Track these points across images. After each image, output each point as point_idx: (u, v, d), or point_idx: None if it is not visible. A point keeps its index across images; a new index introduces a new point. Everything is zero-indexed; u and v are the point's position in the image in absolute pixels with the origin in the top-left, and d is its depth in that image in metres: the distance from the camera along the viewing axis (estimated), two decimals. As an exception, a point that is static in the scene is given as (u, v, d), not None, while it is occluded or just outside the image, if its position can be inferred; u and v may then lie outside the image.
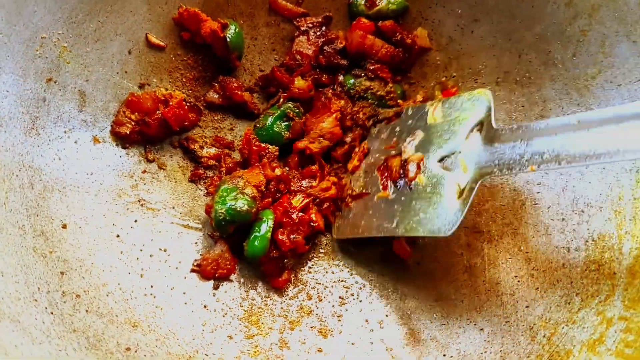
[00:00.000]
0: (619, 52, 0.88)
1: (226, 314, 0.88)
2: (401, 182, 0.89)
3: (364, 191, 0.95)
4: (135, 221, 0.92)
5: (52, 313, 0.74)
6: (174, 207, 0.96)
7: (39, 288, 0.75)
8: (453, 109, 0.87)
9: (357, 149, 1.01)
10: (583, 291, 0.81)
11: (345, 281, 0.95)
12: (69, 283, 0.79)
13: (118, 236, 0.89)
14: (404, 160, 0.90)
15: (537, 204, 0.93)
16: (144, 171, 0.96)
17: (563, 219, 0.89)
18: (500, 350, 0.82)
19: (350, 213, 0.96)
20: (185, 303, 0.87)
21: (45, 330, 0.72)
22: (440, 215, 0.80)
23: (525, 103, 0.98)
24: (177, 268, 0.90)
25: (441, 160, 0.84)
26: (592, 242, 0.84)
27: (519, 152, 0.74)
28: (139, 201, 0.94)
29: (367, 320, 0.90)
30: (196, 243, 0.94)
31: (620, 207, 0.84)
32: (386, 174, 0.92)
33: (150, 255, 0.90)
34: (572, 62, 0.93)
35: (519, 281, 0.88)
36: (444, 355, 0.84)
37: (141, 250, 0.90)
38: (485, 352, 0.83)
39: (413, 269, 0.95)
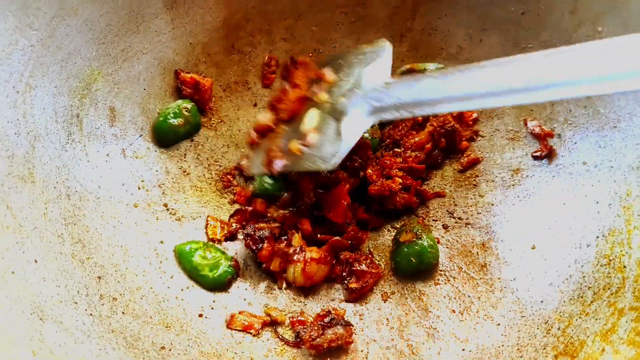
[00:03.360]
0: (623, 55, 0.91)
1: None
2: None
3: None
4: (164, 229, 0.96)
5: (91, 315, 0.79)
6: (200, 216, 1.00)
7: (78, 291, 0.80)
8: (354, 58, 0.94)
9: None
10: (595, 285, 0.84)
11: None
12: (105, 287, 0.84)
13: (149, 242, 0.94)
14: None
15: (548, 202, 0.96)
16: (172, 182, 1.01)
17: (574, 217, 0.92)
18: (517, 343, 0.85)
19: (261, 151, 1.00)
20: (212, 307, 0.91)
21: (86, 330, 0.77)
22: (323, 153, 0.87)
23: (534, 107, 1.01)
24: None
25: (335, 106, 0.90)
26: (602, 237, 0.87)
27: (394, 100, 0.82)
28: (167, 210, 0.98)
29: (387, 319, 0.94)
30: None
31: (628, 203, 0.87)
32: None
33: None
34: (578, 67, 0.96)
35: (532, 278, 0.91)
36: (463, 349, 0.88)
37: (167, 258, 0.94)
38: (503, 345, 0.86)
39: (430, 268, 0.98)
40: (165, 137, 1.04)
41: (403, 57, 1.12)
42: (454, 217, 1.03)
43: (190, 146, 1.06)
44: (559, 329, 0.83)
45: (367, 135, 1.04)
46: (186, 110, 1.04)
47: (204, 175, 1.05)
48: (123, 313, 0.83)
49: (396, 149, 1.07)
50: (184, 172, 1.04)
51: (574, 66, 0.67)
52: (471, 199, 1.03)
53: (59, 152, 0.89)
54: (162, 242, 0.95)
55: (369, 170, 1.04)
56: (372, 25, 1.14)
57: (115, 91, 0.99)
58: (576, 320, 0.83)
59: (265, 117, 0.99)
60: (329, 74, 0.94)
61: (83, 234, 0.86)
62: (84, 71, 0.94)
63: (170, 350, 0.82)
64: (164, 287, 0.90)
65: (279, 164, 0.92)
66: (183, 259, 0.94)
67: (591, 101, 0.94)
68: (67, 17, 0.90)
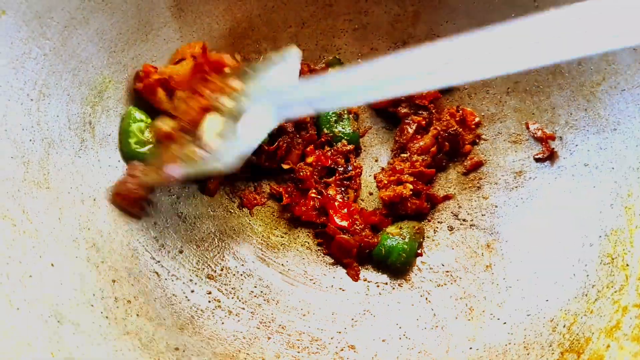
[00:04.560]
0: (621, 59, 0.93)
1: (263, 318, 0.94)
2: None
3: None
4: (175, 232, 0.98)
5: (107, 317, 0.80)
6: (209, 218, 1.02)
7: (94, 294, 0.81)
8: (263, 66, 0.95)
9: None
10: (599, 283, 0.86)
11: (371, 281, 1.01)
12: (120, 290, 0.85)
13: (163, 246, 0.95)
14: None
15: (551, 204, 0.98)
16: (182, 187, 1.03)
17: (577, 217, 0.94)
18: (524, 342, 0.87)
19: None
20: (219, 307, 0.93)
21: (102, 332, 0.78)
22: (221, 153, 0.88)
23: (535, 110, 1.04)
24: (214, 272, 0.97)
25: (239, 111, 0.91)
26: (605, 237, 0.89)
27: (297, 97, 0.85)
28: (178, 215, 1.00)
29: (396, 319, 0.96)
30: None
31: (629, 203, 0.89)
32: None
33: (192, 265, 0.96)
34: (578, 71, 0.99)
35: (537, 277, 0.93)
36: (470, 348, 0.89)
37: (180, 260, 0.96)
38: (509, 343, 0.88)
39: (436, 269, 1.00)
40: None
41: (406, 63, 1.15)
42: (459, 219, 1.05)
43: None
44: (564, 326, 0.85)
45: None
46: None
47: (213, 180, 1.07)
48: (137, 315, 0.84)
49: (403, 154, 1.09)
50: (193, 177, 1.06)
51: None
52: (475, 201, 1.05)
53: (73, 159, 0.90)
54: (172, 245, 0.97)
55: (381, 175, 1.06)
56: (375, 32, 1.16)
57: (126, 98, 1.00)
58: (581, 317, 0.85)
59: (165, 124, 0.98)
60: (235, 82, 0.95)
61: (97, 238, 0.88)
62: (95, 79, 0.95)
63: (184, 351, 0.84)
64: (177, 289, 0.91)
65: (176, 170, 0.91)
66: (126, 119, 0.99)
67: (591, 104, 0.97)
68: (79, 26, 0.92)
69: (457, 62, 0.71)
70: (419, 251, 1.02)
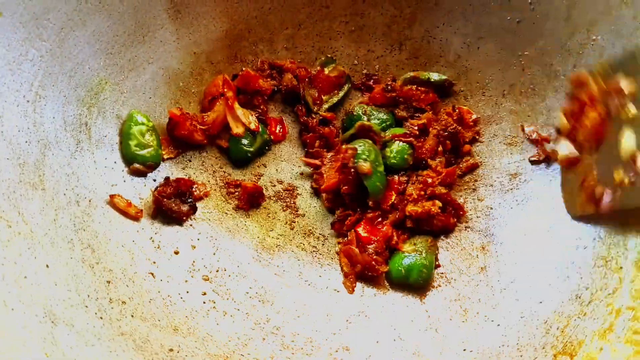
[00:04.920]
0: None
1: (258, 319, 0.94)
2: None
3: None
4: (171, 234, 0.98)
5: (101, 318, 0.81)
6: (205, 220, 1.03)
7: (88, 295, 0.82)
8: None
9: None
10: (592, 285, 0.86)
11: (366, 283, 1.01)
12: (115, 291, 0.85)
13: (158, 247, 0.96)
14: None
15: (546, 206, 0.98)
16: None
17: (571, 221, 0.94)
18: (517, 343, 0.87)
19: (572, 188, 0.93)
20: (214, 308, 0.93)
21: (97, 333, 0.78)
22: None
23: (531, 113, 1.04)
24: (209, 273, 0.97)
25: None
26: (599, 239, 0.89)
27: None
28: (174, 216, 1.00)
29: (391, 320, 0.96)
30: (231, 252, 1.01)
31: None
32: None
33: (187, 266, 0.96)
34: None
35: (532, 279, 0.93)
36: (464, 350, 0.90)
37: (175, 261, 0.96)
38: (503, 345, 0.88)
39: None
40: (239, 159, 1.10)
41: (403, 65, 1.15)
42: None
43: (196, 153, 1.08)
44: (557, 328, 0.85)
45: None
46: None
47: (208, 181, 1.07)
48: (132, 316, 0.84)
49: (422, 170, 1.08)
50: (189, 178, 1.06)
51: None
52: (471, 202, 1.05)
53: (69, 160, 0.91)
54: (168, 246, 0.97)
55: (410, 188, 1.04)
56: (371, 33, 1.16)
57: (122, 100, 1.01)
58: (574, 320, 0.85)
59: (567, 149, 0.89)
60: (624, 83, 0.81)
61: (92, 239, 0.88)
62: (92, 81, 0.96)
63: (178, 352, 0.84)
64: (171, 290, 0.92)
65: (607, 200, 0.81)
66: (127, 121, 1.00)
67: (586, 107, 0.97)
68: (76, 28, 0.92)
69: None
70: (436, 263, 1.01)
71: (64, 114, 0.92)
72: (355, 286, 1.00)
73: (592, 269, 0.88)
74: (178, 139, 1.05)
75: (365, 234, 1.01)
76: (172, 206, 0.98)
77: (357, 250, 0.99)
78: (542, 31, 1.01)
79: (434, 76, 1.12)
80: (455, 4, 1.09)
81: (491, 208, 1.03)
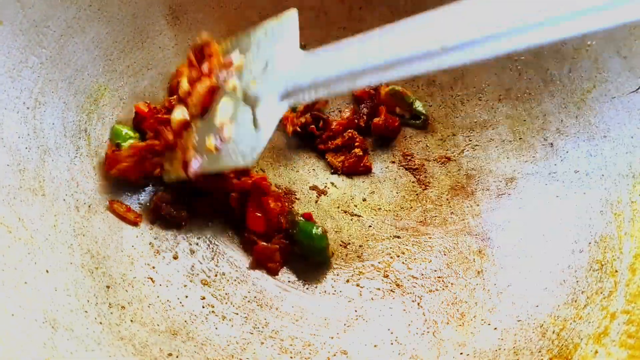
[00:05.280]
0: (611, 67, 0.94)
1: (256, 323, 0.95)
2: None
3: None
4: (170, 238, 0.99)
5: (101, 323, 0.82)
6: (204, 224, 1.03)
7: (88, 300, 0.82)
8: (262, 35, 0.88)
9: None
10: (588, 289, 0.87)
11: (364, 287, 1.01)
12: (114, 296, 0.86)
13: (158, 252, 0.96)
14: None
15: (542, 210, 0.99)
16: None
17: (567, 223, 0.95)
18: (514, 347, 0.88)
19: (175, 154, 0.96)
20: (213, 312, 0.94)
21: (96, 338, 0.79)
22: (241, 147, 0.82)
23: (527, 117, 1.05)
24: (208, 278, 0.98)
25: (246, 93, 0.84)
26: (594, 243, 0.90)
27: (309, 79, 0.75)
28: (172, 221, 1.01)
29: (388, 324, 0.97)
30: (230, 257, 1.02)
31: (619, 210, 0.90)
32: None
33: (186, 270, 0.97)
34: (569, 78, 1.00)
35: (528, 283, 0.94)
36: (461, 353, 0.90)
37: (175, 266, 0.97)
38: (499, 349, 0.88)
39: (428, 275, 1.01)
40: None
41: (399, 70, 1.16)
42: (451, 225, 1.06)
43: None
44: (553, 332, 0.86)
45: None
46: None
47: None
48: (131, 321, 0.85)
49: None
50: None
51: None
52: (467, 207, 1.06)
53: (68, 166, 0.91)
54: (166, 251, 0.98)
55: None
56: (369, 39, 1.17)
57: (122, 106, 1.02)
58: (570, 323, 0.85)
59: (180, 113, 0.92)
60: (236, 58, 0.88)
61: (92, 244, 0.89)
62: (91, 87, 0.97)
63: (177, 357, 0.84)
64: (170, 295, 0.92)
65: (195, 165, 0.87)
66: (114, 139, 0.98)
67: (582, 111, 0.98)
68: (75, 35, 0.93)
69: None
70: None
71: (64, 120, 0.92)
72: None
73: (588, 272, 0.89)
74: (145, 133, 1.02)
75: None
76: (171, 211, 0.99)
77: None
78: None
79: (418, 105, 1.14)
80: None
81: (488, 212, 1.04)
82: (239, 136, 0.82)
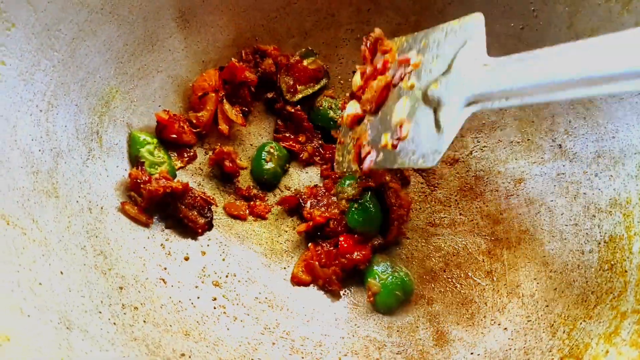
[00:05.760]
0: (620, 68, 0.95)
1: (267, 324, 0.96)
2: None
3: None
4: (181, 240, 1.00)
5: (114, 324, 0.82)
6: (214, 226, 1.04)
7: (101, 301, 0.83)
8: (442, 36, 0.84)
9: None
10: (598, 289, 0.88)
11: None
12: (127, 297, 0.87)
13: (169, 253, 0.97)
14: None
15: (551, 211, 1.00)
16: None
17: (576, 224, 0.95)
18: (524, 347, 0.88)
19: (347, 147, 0.97)
20: (225, 313, 0.94)
21: (110, 339, 0.80)
22: (421, 147, 0.80)
23: (535, 118, 1.05)
24: (219, 279, 0.98)
25: (426, 93, 0.81)
26: (604, 243, 0.91)
27: (498, 86, 0.71)
28: (184, 223, 1.02)
29: (398, 325, 0.97)
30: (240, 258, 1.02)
31: (628, 210, 0.90)
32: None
33: (198, 271, 0.98)
34: (577, 79, 1.00)
35: (538, 283, 0.94)
36: (472, 353, 0.91)
37: (186, 267, 0.98)
38: (510, 349, 0.89)
39: (438, 275, 1.02)
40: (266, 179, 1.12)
41: (408, 72, 1.16)
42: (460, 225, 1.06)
43: (205, 160, 1.10)
44: (564, 332, 0.87)
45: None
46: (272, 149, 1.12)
47: (217, 188, 1.09)
48: (144, 322, 0.86)
49: None
50: (198, 185, 1.07)
51: None
52: (476, 207, 1.07)
53: (81, 168, 0.92)
54: (178, 253, 0.98)
55: None
56: (377, 41, 1.18)
57: (132, 108, 1.02)
58: (580, 323, 0.86)
59: (353, 108, 0.93)
60: (414, 57, 0.85)
61: (104, 245, 0.89)
62: (102, 89, 0.98)
63: (190, 357, 0.85)
64: (182, 296, 0.93)
65: (369, 160, 0.87)
66: (133, 145, 1.01)
67: (590, 112, 0.98)
68: (87, 38, 0.94)
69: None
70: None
71: (76, 123, 0.93)
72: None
73: (598, 272, 0.89)
74: (167, 141, 1.07)
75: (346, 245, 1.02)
76: (189, 215, 0.99)
77: (317, 264, 1.01)
78: (545, 37, 1.02)
79: None
80: (459, 11, 1.09)
81: (497, 213, 1.05)
82: (418, 136, 0.80)
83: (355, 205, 1.00)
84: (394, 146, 0.83)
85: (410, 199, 1.05)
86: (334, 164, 1.01)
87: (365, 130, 0.92)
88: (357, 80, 0.96)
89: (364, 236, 1.01)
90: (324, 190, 1.08)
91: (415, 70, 0.85)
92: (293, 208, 1.09)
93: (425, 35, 0.86)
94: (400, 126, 0.83)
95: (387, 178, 1.03)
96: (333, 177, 1.10)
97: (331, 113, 1.13)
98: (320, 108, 1.14)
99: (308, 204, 1.06)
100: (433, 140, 0.78)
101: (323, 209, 1.04)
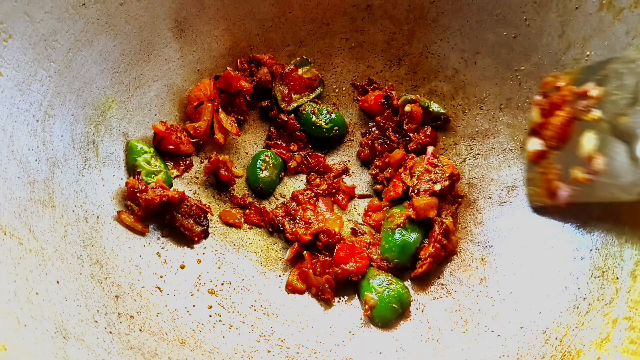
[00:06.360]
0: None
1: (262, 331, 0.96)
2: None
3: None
4: (177, 248, 1.01)
5: (110, 332, 0.83)
6: (210, 234, 1.05)
7: (98, 310, 0.84)
8: (621, 67, 0.84)
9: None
10: (590, 296, 0.88)
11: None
12: (123, 305, 0.87)
13: (165, 262, 0.98)
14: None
15: (543, 219, 1.00)
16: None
17: (569, 231, 0.96)
18: (517, 353, 0.89)
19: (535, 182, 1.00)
20: (220, 321, 0.95)
21: (106, 348, 0.80)
22: (619, 180, 0.80)
23: (527, 126, 1.06)
24: (215, 287, 0.99)
25: (615, 125, 0.81)
26: (595, 250, 0.92)
27: None
28: (179, 231, 1.02)
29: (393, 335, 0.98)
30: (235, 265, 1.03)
31: (619, 217, 0.91)
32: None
33: (193, 280, 0.98)
34: (569, 88, 1.01)
35: (530, 290, 0.95)
36: (465, 359, 0.91)
37: (182, 275, 0.98)
38: (503, 355, 0.90)
39: (432, 283, 1.02)
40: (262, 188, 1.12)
41: (402, 80, 1.18)
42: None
43: (200, 168, 1.10)
44: (556, 338, 0.87)
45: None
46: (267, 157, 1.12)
47: (213, 196, 1.10)
48: (140, 330, 0.86)
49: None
50: (194, 193, 1.08)
51: None
52: (470, 215, 1.07)
53: (77, 177, 0.93)
54: (172, 261, 0.99)
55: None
56: (371, 50, 1.19)
57: (128, 117, 1.03)
58: (573, 330, 0.87)
59: (536, 144, 0.97)
60: (593, 89, 0.86)
61: (101, 254, 0.90)
62: (99, 99, 0.98)
63: (186, 365, 0.86)
64: (178, 304, 0.94)
65: (563, 194, 0.90)
66: (130, 154, 1.02)
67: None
68: (83, 48, 0.95)
69: None
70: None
71: (72, 133, 0.94)
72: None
73: (590, 279, 0.90)
74: (165, 152, 1.08)
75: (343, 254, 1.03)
76: (185, 223, 1.00)
77: (311, 272, 1.02)
78: (537, 46, 1.04)
79: (435, 106, 1.14)
80: (453, 21, 1.11)
81: (490, 220, 1.05)
82: (614, 170, 0.81)
83: (395, 234, 1.02)
84: (590, 180, 0.84)
85: (457, 242, 1.05)
86: (528, 198, 1.04)
87: (551, 164, 0.94)
88: (535, 116, 0.99)
89: (391, 263, 1.02)
90: (296, 204, 1.10)
91: (596, 102, 0.84)
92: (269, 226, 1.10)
93: (600, 66, 0.87)
94: (590, 159, 0.84)
95: (437, 214, 1.03)
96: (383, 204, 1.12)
97: (314, 118, 1.14)
98: (304, 113, 1.15)
99: (287, 225, 1.06)
100: (631, 173, 0.78)
101: (302, 224, 1.06)
